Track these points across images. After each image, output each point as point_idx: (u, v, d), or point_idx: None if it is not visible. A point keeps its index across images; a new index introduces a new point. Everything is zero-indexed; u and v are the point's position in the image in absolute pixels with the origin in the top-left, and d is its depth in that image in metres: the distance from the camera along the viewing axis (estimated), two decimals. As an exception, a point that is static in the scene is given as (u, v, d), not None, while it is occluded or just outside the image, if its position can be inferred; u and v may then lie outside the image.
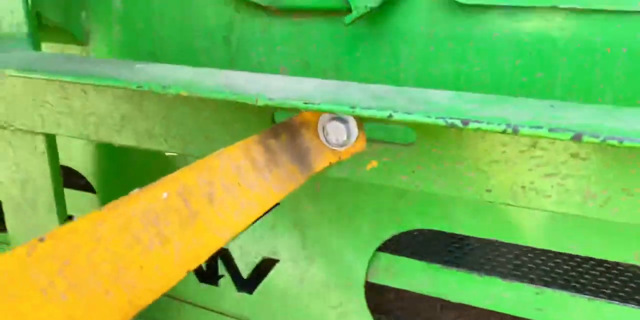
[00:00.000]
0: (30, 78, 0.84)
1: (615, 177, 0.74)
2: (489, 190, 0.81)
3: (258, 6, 1.17)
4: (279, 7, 1.14)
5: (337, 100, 0.73)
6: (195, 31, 1.25)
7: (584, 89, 1.00)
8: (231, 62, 1.25)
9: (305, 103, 0.72)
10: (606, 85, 0.99)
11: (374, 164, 0.87)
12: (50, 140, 1.13)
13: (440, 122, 0.66)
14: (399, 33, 1.10)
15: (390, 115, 0.68)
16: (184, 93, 0.77)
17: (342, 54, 1.16)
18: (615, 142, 0.59)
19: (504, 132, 0.63)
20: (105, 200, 1.51)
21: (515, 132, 0.63)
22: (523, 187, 0.79)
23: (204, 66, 1.27)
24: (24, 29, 1.04)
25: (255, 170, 0.74)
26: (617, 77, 0.97)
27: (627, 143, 0.59)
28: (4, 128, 1.10)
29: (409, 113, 0.68)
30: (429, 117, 0.67)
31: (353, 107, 0.70)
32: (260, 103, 0.74)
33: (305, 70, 1.20)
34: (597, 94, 0.99)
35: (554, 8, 0.97)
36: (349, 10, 1.06)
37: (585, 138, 0.60)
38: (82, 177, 1.56)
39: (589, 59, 0.98)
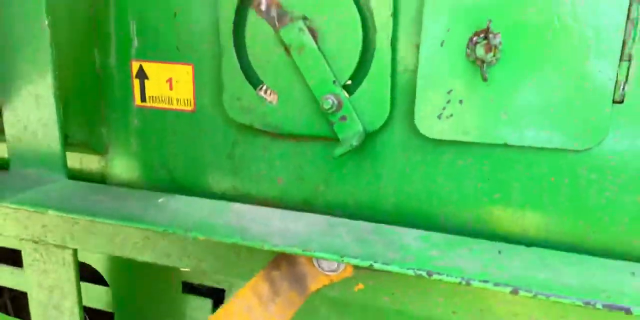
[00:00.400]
0: (69, 217, 1.01)
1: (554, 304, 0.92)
2: (454, 312, 0.98)
3: (260, 130, 1.36)
4: (278, 133, 1.33)
5: (328, 248, 0.90)
6: (203, 147, 1.44)
7: (535, 209, 1.19)
8: (234, 174, 1.43)
9: (304, 250, 0.89)
10: (553, 207, 1.17)
11: (361, 286, 1.04)
12: (76, 252, 1.29)
13: (411, 272, 0.84)
14: (379, 157, 1.29)
15: (371, 265, 0.86)
16: (202, 237, 0.94)
17: (331, 171, 1.34)
18: (544, 298, 0.77)
19: (459, 283, 0.81)
20: (117, 293, 1.65)
21: (468, 284, 0.81)
22: (481, 310, 0.96)
23: (211, 177, 1.46)
24: (59, 160, 1.22)
25: (262, 306, 0.90)
26: (560, 201, 1.17)
27: (553, 298, 0.76)
28: (37, 242, 1.26)
29: (386, 263, 0.85)
30: (401, 267, 0.84)
31: (342, 256, 0.88)
32: (266, 248, 0.91)
33: (299, 182, 1.38)
34: (546, 214, 1.18)
35: (506, 145, 1.17)
36: (338, 138, 1.26)
37: (521, 293, 0.78)
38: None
39: (537, 185, 1.18)
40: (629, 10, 1.03)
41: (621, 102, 1.08)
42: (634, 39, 1.05)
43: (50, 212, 1.01)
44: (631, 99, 1.07)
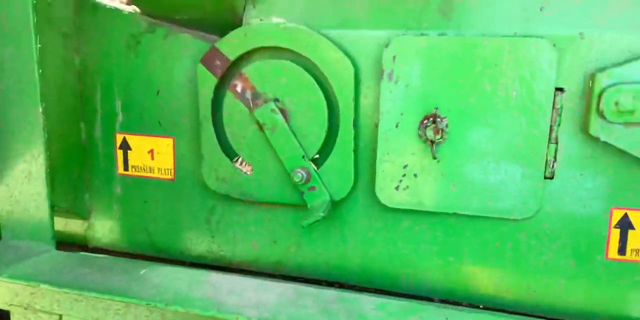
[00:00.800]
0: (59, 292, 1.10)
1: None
2: (411, 373, 1.09)
3: (236, 198, 1.48)
4: (253, 200, 1.45)
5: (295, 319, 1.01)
6: (182, 213, 1.55)
7: (484, 270, 1.32)
8: (211, 238, 1.54)
9: (274, 322, 1.01)
10: (499, 268, 1.31)
11: (326, 349, 1.14)
12: (61, 317, 1.36)
13: (368, 342, 0.95)
14: (345, 222, 1.42)
15: (334, 335, 0.97)
16: (182, 310, 1.04)
17: (302, 235, 1.46)
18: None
19: (410, 352, 0.93)
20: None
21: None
22: (435, 371, 1.08)
23: (189, 241, 1.56)
24: (48, 232, 1.31)
25: (238, 374, 1.00)
26: (505, 264, 1.31)
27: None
28: (26, 308, 1.33)
29: (346, 334, 0.97)
30: (360, 337, 0.96)
31: (308, 328, 0.99)
32: (241, 320, 1.02)
33: (272, 246, 1.49)
34: (493, 274, 1.32)
35: (456, 213, 1.31)
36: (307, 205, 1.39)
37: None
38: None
39: (484, 249, 1.32)
40: (554, 101, 1.20)
41: (552, 178, 1.24)
42: (559, 125, 1.22)
43: (42, 286, 1.10)
44: (560, 175, 1.23)
